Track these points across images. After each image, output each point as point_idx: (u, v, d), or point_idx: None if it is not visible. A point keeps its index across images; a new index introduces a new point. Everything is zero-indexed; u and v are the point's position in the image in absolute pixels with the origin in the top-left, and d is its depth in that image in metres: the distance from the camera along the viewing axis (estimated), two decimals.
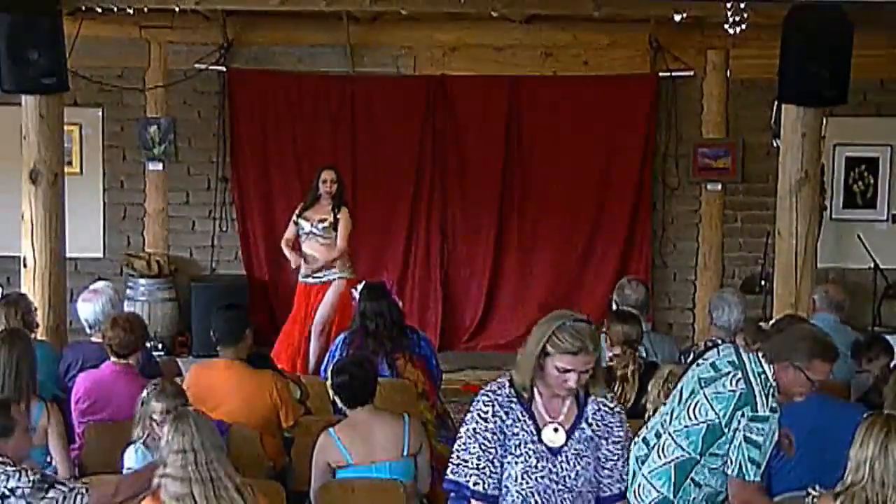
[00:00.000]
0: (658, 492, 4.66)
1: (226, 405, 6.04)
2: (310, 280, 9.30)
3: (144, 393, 5.36)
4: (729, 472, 4.57)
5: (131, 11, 10.02)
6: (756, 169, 11.08)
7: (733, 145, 11.10)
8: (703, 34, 10.80)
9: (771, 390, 4.58)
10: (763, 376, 4.62)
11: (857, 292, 10.47)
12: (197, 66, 10.99)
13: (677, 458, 4.66)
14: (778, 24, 8.08)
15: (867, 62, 9.69)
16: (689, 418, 4.66)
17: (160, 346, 10.44)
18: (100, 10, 9.84)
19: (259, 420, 6.13)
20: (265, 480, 5.42)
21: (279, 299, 11.14)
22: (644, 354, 6.77)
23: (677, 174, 11.19)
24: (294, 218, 9.34)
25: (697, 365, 4.79)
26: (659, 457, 4.70)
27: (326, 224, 9.19)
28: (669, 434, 4.70)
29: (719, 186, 11.20)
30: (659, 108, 11.07)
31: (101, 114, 11.08)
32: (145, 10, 9.98)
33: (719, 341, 6.55)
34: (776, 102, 8.68)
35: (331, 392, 5.65)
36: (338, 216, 9.19)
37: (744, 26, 7.90)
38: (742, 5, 7.66)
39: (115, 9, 9.77)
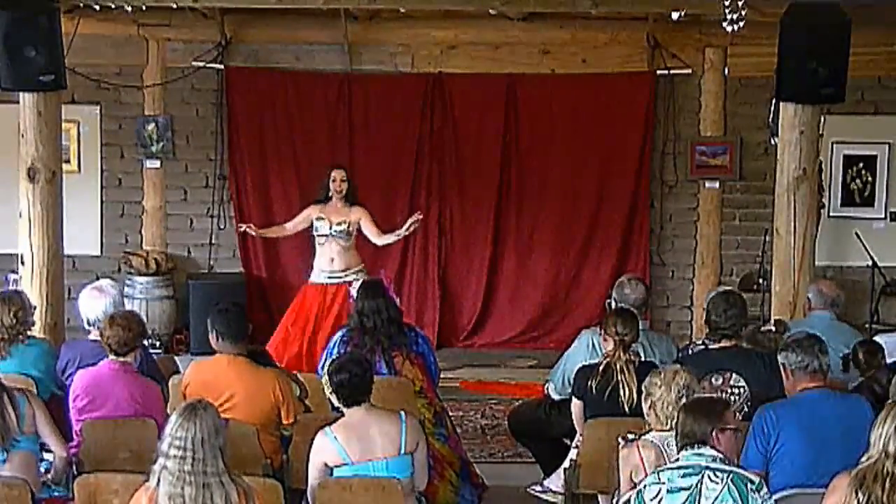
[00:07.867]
0: None
1: (227, 401, 6.05)
2: (328, 280, 9.19)
3: None
4: None
5: (129, 9, 9.99)
6: (754, 167, 11.08)
7: (731, 143, 11.09)
8: (701, 32, 10.79)
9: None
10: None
11: (854, 290, 10.48)
12: (195, 63, 10.97)
13: None
14: (776, 22, 8.09)
15: (865, 60, 9.74)
16: None
17: (158, 343, 10.43)
18: (97, 8, 9.84)
19: (259, 417, 6.13)
20: (262, 478, 5.41)
21: (277, 297, 11.14)
22: (642, 353, 6.77)
23: (675, 172, 11.17)
24: (314, 216, 9.21)
25: None
26: None
27: (345, 227, 9.12)
28: None
29: (717, 184, 11.18)
30: (657, 106, 11.04)
31: (98, 111, 11.05)
32: (143, 7, 9.94)
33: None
34: (774, 100, 8.68)
35: (327, 390, 5.64)
36: (356, 217, 9.16)
37: (741, 24, 7.88)
38: (740, 3, 7.65)
39: (113, 6, 9.78)
